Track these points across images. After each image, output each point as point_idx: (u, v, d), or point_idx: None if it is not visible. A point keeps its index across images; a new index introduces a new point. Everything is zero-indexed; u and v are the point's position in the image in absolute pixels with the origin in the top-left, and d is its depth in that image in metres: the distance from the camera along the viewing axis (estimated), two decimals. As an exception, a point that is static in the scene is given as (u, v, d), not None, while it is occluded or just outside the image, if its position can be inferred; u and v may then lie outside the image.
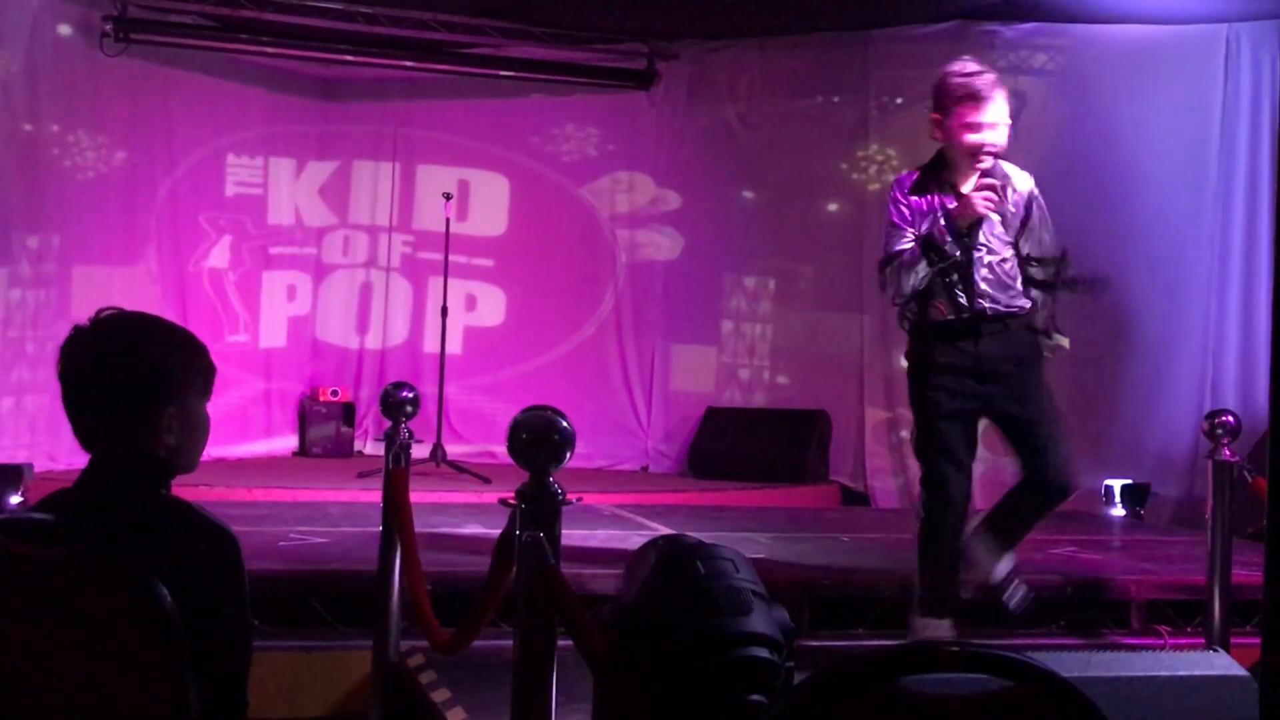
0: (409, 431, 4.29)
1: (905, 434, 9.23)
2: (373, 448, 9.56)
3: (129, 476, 2.17)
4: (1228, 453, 4.83)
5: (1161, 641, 5.02)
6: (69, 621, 1.95)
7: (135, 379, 2.16)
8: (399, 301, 10.14)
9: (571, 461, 2.62)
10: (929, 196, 4.50)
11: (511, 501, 2.63)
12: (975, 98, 4.40)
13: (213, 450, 8.96)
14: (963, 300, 4.44)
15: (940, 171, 4.54)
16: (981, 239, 4.46)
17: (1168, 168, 8.57)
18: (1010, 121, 4.54)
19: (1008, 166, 4.60)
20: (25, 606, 1.99)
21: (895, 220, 4.50)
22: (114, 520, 2.10)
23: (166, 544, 2.08)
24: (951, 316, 4.45)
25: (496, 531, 2.83)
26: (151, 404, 2.16)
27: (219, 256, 9.57)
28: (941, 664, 1.58)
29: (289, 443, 9.80)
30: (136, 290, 8.86)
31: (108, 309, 2.21)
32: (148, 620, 1.93)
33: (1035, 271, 4.58)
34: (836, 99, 9.65)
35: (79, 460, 2.21)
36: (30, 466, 7.00)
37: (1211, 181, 8.50)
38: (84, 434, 2.19)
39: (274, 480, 8.20)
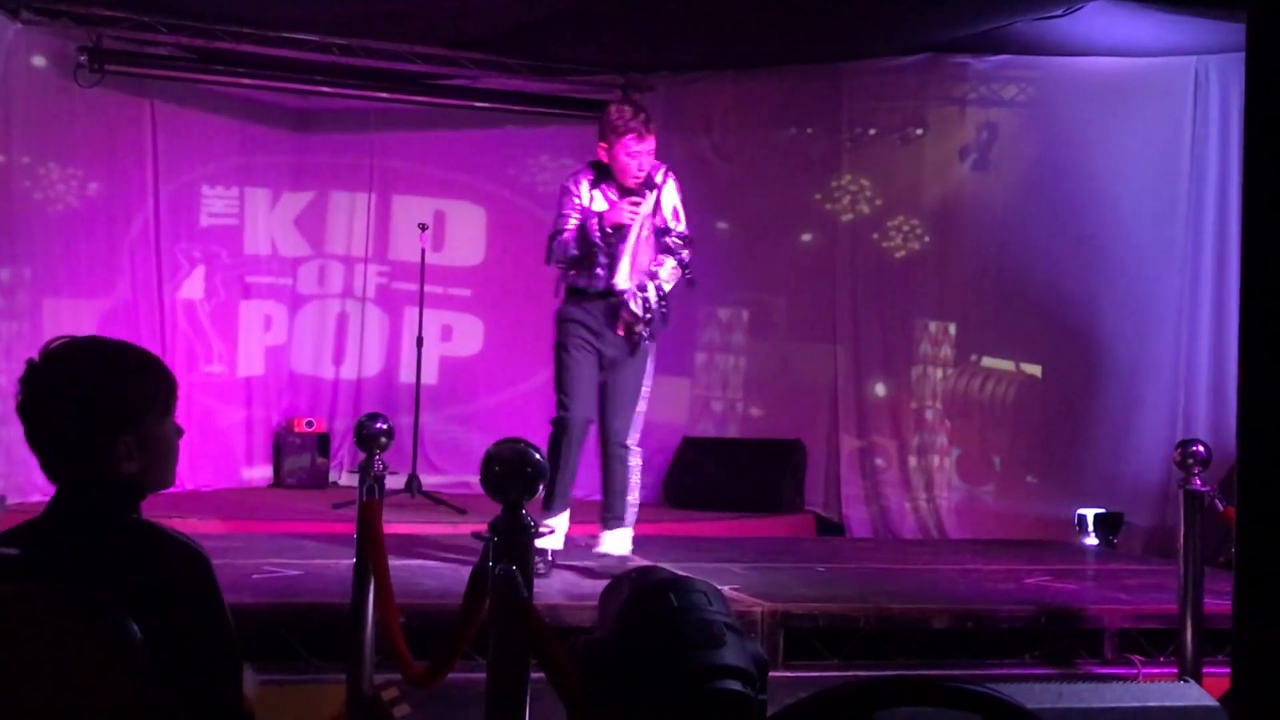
0: (383, 463, 4.28)
1: (880, 462, 9.28)
2: (348, 479, 9.52)
3: (96, 505, 2.15)
4: (1199, 482, 4.86)
5: (1135, 671, 5.03)
6: (34, 657, 1.94)
7: (86, 410, 2.15)
8: (374, 332, 10.12)
9: (546, 493, 2.62)
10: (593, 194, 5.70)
11: (484, 534, 2.63)
12: (635, 132, 5.60)
13: (188, 481, 8.99)
14: (600, 275, 5.63)
15: (605, 178, 5.71)
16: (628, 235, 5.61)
17: (1138, 198, 8.64)
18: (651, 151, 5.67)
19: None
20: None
21: (567, 208, 5.70)
22: (82, 551, 2.08)
23: (137, 571, 2.07)
24: (588, 286, 5.67)
25: (471, 563, 2.82)
26: (106, 434, 2.15)
27: (194, 287, 9.54)
28: (913, 698, 1.59)
29: (264, 473, 9.76)
30: (110, 322, 8.84)
31: (59, 339, 2.19)
32: (115, 655, 1.92)
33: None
34: (809, 130, 9.71)
35: (53, 491, 2.20)
36: (3, 499, 6.95)
37: (1181, 211, 8.57)
38: (47, 466, 2.18)
39: (248, 512, 8.16)
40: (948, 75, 9.20)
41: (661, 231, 5.73)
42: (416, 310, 9.16)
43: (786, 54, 9.30)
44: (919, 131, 9.33)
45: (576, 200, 5.72)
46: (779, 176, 9.66)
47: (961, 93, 9.23)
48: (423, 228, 9.16)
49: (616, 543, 5.78)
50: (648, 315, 5.65)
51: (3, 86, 8.42)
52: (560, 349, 5.76)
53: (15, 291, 8.53)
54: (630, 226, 5.62)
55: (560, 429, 5.70)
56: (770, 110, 9.75)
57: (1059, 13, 7.89)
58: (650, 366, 5.86)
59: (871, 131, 9.46)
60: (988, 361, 9.17)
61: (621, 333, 5.65)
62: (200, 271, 9.57)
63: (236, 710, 2.12)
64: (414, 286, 9.26)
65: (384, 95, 9.79)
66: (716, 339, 9.84)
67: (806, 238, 9.73)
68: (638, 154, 5.64)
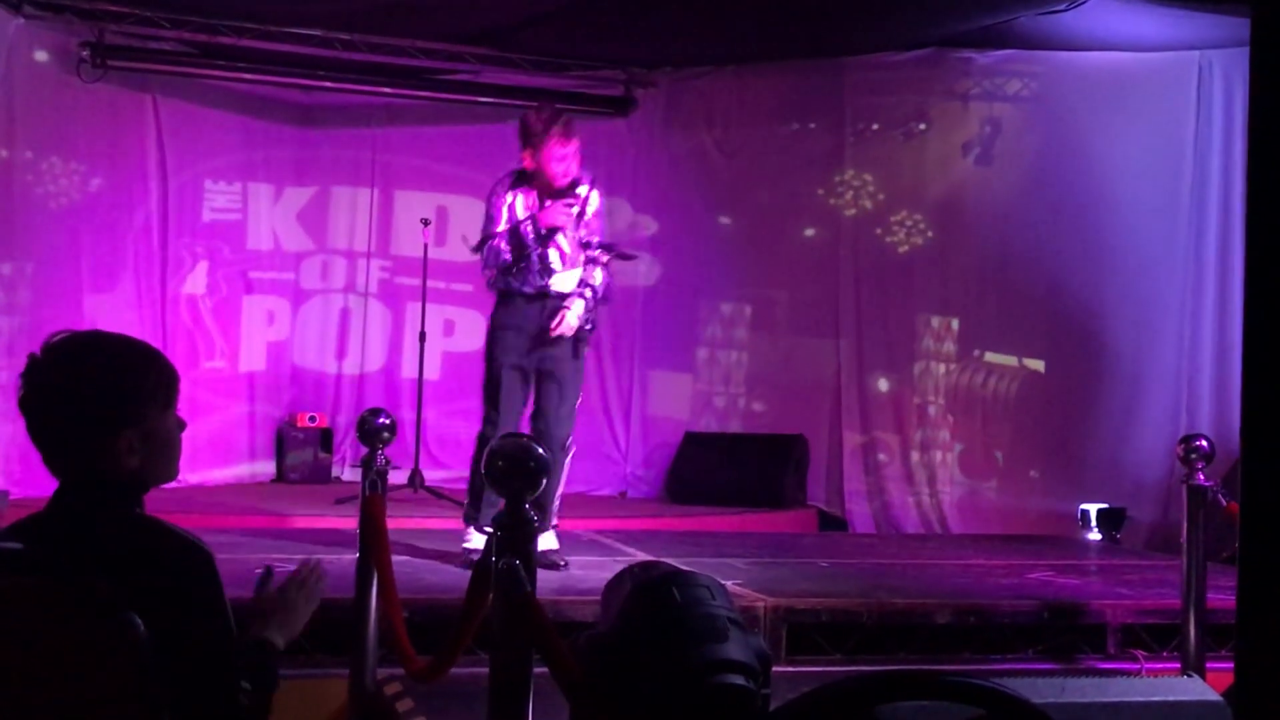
0: (386, 458, 4.28)
1: (883, 457, 9.28)
2: (350, 473, 9.52)
3: (97, 500, 2.14)
4: (1202, 477, 4.85)
5: (1138, 666, 5.03)
6: (38, 651, 1.94)
7: (88, 404, 2.13)
8: (377, 327, 10.12)
9: (549, 488, 2.62)
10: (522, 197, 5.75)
11: (487, 529, 2.63)
12: (557, 137, 5.64)
13: (190, 476, 9.01)
14: (532, 279, 5.71)
15: (526, 183, 5.76)
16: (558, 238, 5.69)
17: (1141, 193, 8.63)
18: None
19: None
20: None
21: (495, 213, 5.75)
22: (84, 545, 2.08)
23: (138, 566, 2.05)
24: (521, 288, 5.74)
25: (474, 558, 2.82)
26: (106, 429, 2.13)
27: (196, 282, 9.55)
28: (916, 692, 1.59)
29: (267, 468, 9.76)
30: (113, 317, 8.83)
31: (60, 333, 2.17)
32: (118, 648, 1.92)
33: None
34: (812, 125, 9.70)
35: (55, 485, 2.20)
36: (6, 494, 6.96)
37: (1185, 207, 8.56)
38: (49, 460, 2.17)
39: (250, 507, 8.17)
40: (951, 70, 9.19)
41: (585, 244, 5.81)
42: (419, 305, 9.16)
43: (789, 49, 9.29)
44: (922, 126, 9.32)
45: (504, 206, 5.77)
46: (781, 172, 9.66)
47: (965, 88, 9.22)
48: (425, 223, 9.16)
49: (548, 542, 5.74)
50: (588, 326, 5.77)
51: (5, 82, 8.43)
52: (490, 360, 5.81)
53: (17, 286, 8.54)
54: (564, 228, 5.71)
55: (483, 445, 5.67)
56: (773, 105, 9.74)
57: (1063, 7, 7.88)
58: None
59: (874, 126, 9.45)
60: (990, 357, 9.17)
61: (555, 332, 5.67)
62: (203, 267, 9.57)
63: (235, 705, 2.12)
64: (416, 281, 9.26)
65: (387, 90, 9.79)
66: (719, 334, 9.83)
67: (809, 233, 9.72)
68: (564, 157, 5.70)
